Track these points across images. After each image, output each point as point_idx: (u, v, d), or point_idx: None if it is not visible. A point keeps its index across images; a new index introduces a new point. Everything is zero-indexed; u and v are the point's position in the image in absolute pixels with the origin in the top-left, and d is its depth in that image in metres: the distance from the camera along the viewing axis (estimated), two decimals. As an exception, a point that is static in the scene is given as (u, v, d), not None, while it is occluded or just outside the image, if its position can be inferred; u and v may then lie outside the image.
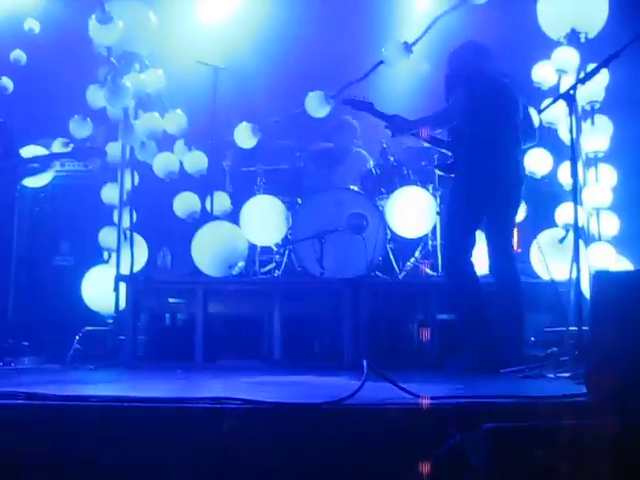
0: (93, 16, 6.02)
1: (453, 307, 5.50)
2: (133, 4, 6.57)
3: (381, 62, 6.11)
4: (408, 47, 6.00)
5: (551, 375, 4.63)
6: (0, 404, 2.99)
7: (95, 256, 6.96)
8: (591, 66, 4.93)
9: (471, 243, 5.31)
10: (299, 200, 6.82)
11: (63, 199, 7.46)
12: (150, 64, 6.80)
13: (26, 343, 6.29)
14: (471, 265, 5.29)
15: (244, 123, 6.98)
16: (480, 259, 5.42)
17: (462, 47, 5.54)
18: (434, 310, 5.88)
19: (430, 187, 6.69)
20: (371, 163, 6.96)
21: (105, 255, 6.79)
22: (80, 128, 6.81)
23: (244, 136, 6.94)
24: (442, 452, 2.85)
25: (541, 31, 6.24)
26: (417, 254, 6.70)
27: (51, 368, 5.38)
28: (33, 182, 6.82)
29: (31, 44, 7.98)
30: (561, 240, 6.09)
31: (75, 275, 6.97)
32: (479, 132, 5.26)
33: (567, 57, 6.11)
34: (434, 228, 6.58)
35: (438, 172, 6.44)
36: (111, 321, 6.25)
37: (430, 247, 6.68)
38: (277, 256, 6.75)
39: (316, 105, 6.33)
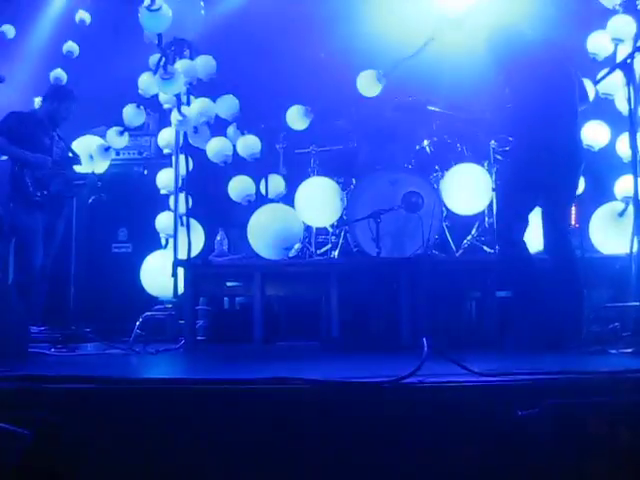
0: (143, 4, 6.06)
1: (510, 285, 5.43)
2: (182, -10, 6.60)
3: (431, 39, 6.06)
4: (457, 22, 5.94)
5: (613, 351, 4.57)
6: (67, 388, 3.05)
7: (153, 242, 7.05)
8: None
9: (525, 222, 5.25)
10: (353, 180, 6.81)
11: (120, 187, 7.55)
12: (200, 49, 6.82)
13: (88, 330, 6.40)
14: (524, 243, 5.23)
15: (296, 105, 6.98)
16: (536, 236, 5.37)
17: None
18: (492, 287, 5.82)
19: (485, 163, 6.62)
20: (425, 141, 6.90)
21: (163, 241, 6.88)
22: (133, 116, 6.87)
23: (296, 118, 6.94)
24: (504, 429, 2.83)
25: (596, -1, 6.13)
26: (474, 231, 6.64)
27: (114, 353, 5.46)
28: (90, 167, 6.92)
29: (83, 35, 8.09)
30: (621, 213, 5.98)
31: (134, 262, 7.07)
32: (535, 112, 5.16)
33: (623, 25, 5.98)
34: (490, 205, 6.51)
35: (499, 157, 6.41)
36: (170, 306, 6.32)
37: (487, 224, 6.62)
38: (333, 237, 6.75)
39: (368, 84, 6.31)
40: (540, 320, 5.06)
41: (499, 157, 6.51)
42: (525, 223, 5.23)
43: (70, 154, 7.16)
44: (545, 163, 5.10)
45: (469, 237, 6.65)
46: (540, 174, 5.12)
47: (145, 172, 7.24)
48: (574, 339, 4.87)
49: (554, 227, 5.26)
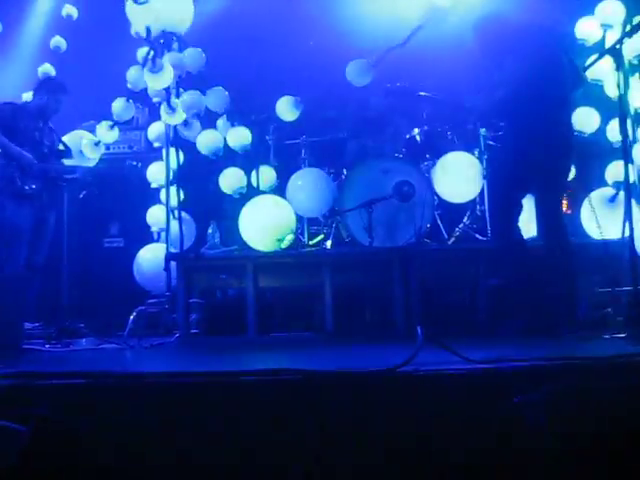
0: (130, -3, 6.04)
1: (503, 271, 5.44)
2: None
3: (420, 27, 6.05)
4: (447, 11, 5.93)
5: (606, 336, 4.58)
6: (62, 384, 3.05)
7: (145, 236, 7.03)
8: (637, 18, 4.83)
9: (519, 208, 5.26)
10: (344, 170, 6.80)
11: (111, 181, 7.53)
12: (189, 42, 6.79)
13: (82, 325, 6.39)
14: (518, 229, 5.24)
15: (286, 96, 6.96)
16: (529, 222, 5.37)
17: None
18: (485, 275, 5.83)
19: (476, 151, 6.62)
20: (416, 130, 6.90)
21: (155, 234, 6.86)
22: (123, 110, 6.84)
23: (286, 109, 6.92)
24: (499, 415, 2.84)
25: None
26: (465, 219, 6.65)
27: (108, 348, 5.46)
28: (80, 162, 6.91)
29: (71, 30, 8.05)
30: (612, 199, 5.99)
31: (126, 256, 7.06)
32: (526, 97, 5.14)
33: (612, 11, 6.00)
34: (482, 193, 6.51)
35: (491, 143, 6.41)
36: (163, 300, 6.30)
37: (478, 212, 6.62)
38: (325, 228, 6.75)
39: (358, 74, 6.30)
40: (534, 306, 5.07)
41: (491, 143, 6.50)
42: (519, 208, 5.24)
43: (62, 146, 7.13)
44: (537, 148, 5.09)
45: (461, 225, 6.65)
46: (532, 159, 5.11)
47: (139, 165, 7.21)
48: (568, 325, 4.88)
49: (547, 213, 5.26)
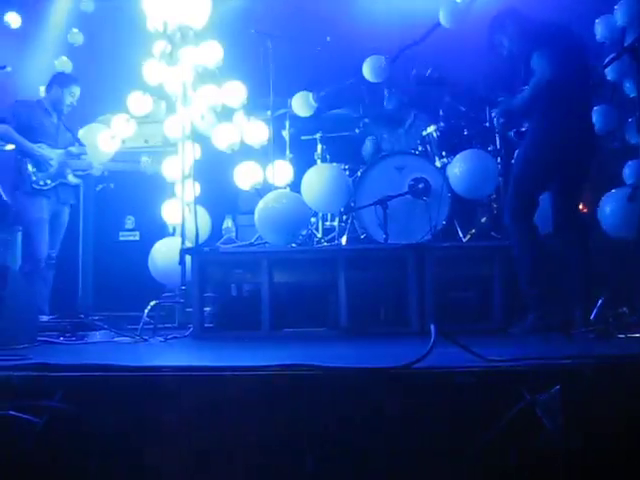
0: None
1: (517, 268, 5.41)
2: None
3: (438, 23, 6.03)
4: (465, 7, 5.91)
5: (621, 335, 4.56)
6: (77, 376, 3.06)
7: (160, 230, 7.05)
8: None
9: (535, 206, 5.24)
10: (360, 166, 6.79)
11: (126, 175, 7.55)
12: (206, 36, 6.79)
13: (97, 318, 6.41)
14: (534, 227, 5.22)
15: (302, 92, 6.94)
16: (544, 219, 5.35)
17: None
18: (500, 272, 5.81)
19: (491, 148, 6.59)
20: (432, 126, 6.87)
21: (170, 228, 6.87)
22: (139, 104, 6.85)
23: (302, 105, 6.91)
24: (513, 414, 2.83)
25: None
26: (481, 217, 6.62)
27: (122, 341, 5.47)
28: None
29: (88, 23, 8.09)
30: (630, 198, 5.96)
31: (141, 250, 7.08)
32: (553, 96, 5.10)
33: (631, 9, 5.94)
34: (497, 190, 6.48)
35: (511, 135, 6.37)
36: (178, 294, 6.31)
37: (494, 210, 6.59)
38: (341, 223, 6.74)
39: (375, 70, 6.29)
40: (548, 304, 5.06)
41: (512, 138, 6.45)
42: (535, 205, 5.22)
43: (76, 144, 7.19)
44: (561, 146, 5.07)
45: (476, 222, 6.62)
46: (555, 157, 5.10)
47: (150, 161, 7.22)
48: (582, 323, 4.86)
49: (565, 210, 5.25)
